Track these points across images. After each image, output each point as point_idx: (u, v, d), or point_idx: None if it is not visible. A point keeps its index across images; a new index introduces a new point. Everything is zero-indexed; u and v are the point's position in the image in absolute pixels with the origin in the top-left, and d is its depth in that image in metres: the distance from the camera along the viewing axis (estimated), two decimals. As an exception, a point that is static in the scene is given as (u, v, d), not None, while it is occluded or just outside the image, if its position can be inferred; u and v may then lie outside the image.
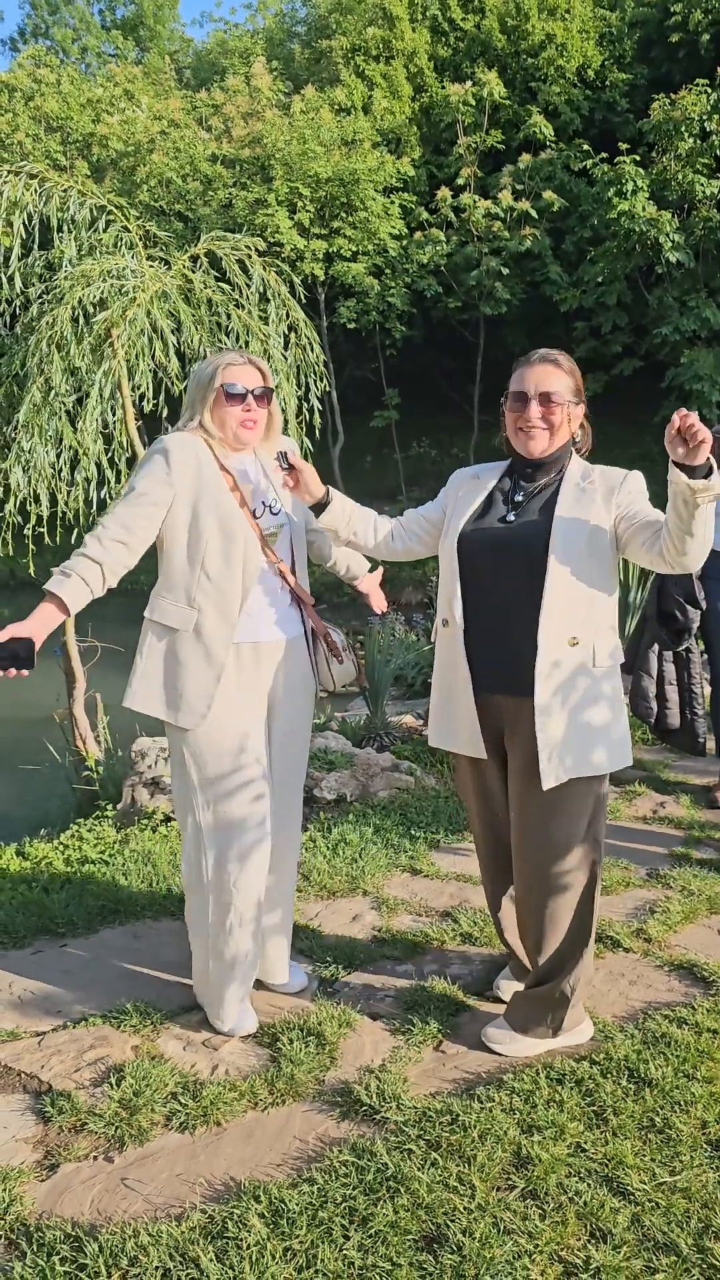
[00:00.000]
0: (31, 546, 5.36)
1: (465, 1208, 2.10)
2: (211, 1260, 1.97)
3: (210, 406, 2.69)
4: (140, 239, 5.12)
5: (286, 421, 5.61)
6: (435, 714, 2.69)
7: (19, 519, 5.22)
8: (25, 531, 5.23)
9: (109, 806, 4.68)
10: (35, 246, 5.15)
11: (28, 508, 5.18)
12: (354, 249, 15.70)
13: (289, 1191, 2.16)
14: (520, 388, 2.51)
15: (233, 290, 5.30)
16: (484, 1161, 2.23)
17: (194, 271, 5.28)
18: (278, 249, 15.03)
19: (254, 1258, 1.98)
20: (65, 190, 4.93)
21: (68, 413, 5.16)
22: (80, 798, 5.14)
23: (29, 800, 5.83)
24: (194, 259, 5.34)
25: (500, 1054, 2.64)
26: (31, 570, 5.58)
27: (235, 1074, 2.63)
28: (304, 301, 6.26)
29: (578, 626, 2.44)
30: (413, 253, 15.80)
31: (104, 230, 5.07)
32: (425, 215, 16.66)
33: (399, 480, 18.38)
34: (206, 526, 2.61)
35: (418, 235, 16.01)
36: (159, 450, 2.66)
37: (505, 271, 15.76)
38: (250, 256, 5.35)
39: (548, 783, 2.44)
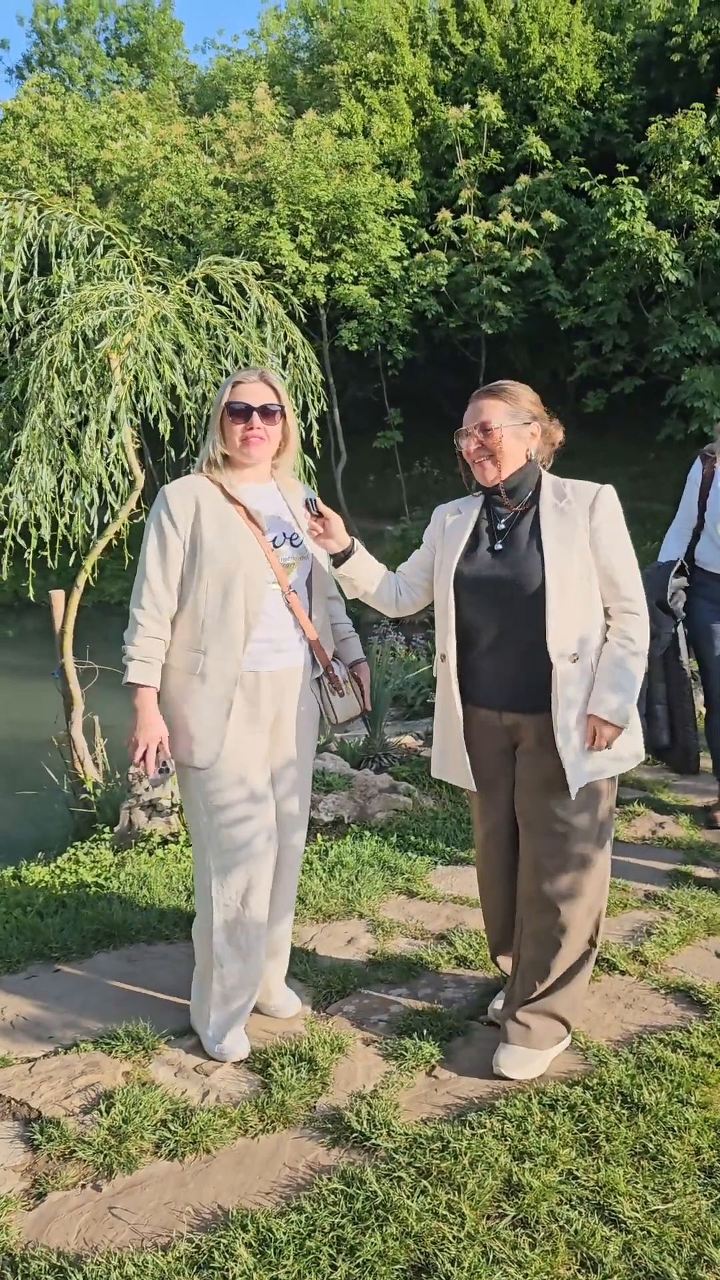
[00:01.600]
0: (33, 571, 5.38)
1: (454, 1236, 2.08)
2: (197, 1291, 1.96)
3: (217, 424, 2.74)
4: (138, 264, 5.16)
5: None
6: (436, 745, 2.77)
7: (20, 543, 5.24)
8: (26, 556, 5.25)
9: (106, 829, 4.68)
10: (35, 272, 5.19)
11: (29, 531, 5.21)
12: (355, 271, 15.80)
13: (277, 1220, 2.14)
14: (464, 426, 2.62)
15: (230, 313, 5.34)
16: (474, 1189, 2.21)
17: (192, 295, 5.32)
18: (280, 272, 15.14)
19: (240, 1289, 1.96)
20: (65, 216, 4.98)
21: (70, 438, 5.19)
22: (78, 821, 5.14)
23: (27, 823, 5.83)
24: (191, 283, 5.39)
25: (514, 1078, 2.63)
26: (32, 594, 5.61)
27: (226, 1100, 2.61)
28: (304, 323, 6.30)
29: (576, 645, 2.51)
30: (414, 274, 15.90)
31: (102, 256, 5.11)
32: (426, 237, 16.78)
33: (402, 500, 18.43)
34: (205, 565, 2.65)
35: (419, 257, 16.12)
36: (159, 502, 2.71)
37: (506, 290, 15.85)
38: (247, 279, 5.40)
39: (574, 784, 2.52)
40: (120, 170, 18.60)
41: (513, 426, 2.59)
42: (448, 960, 3.32)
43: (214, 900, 2.73)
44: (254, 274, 5.45)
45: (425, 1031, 2.87)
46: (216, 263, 5.37)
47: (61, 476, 5.16)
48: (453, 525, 2.71)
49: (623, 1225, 2.12)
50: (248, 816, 2.69)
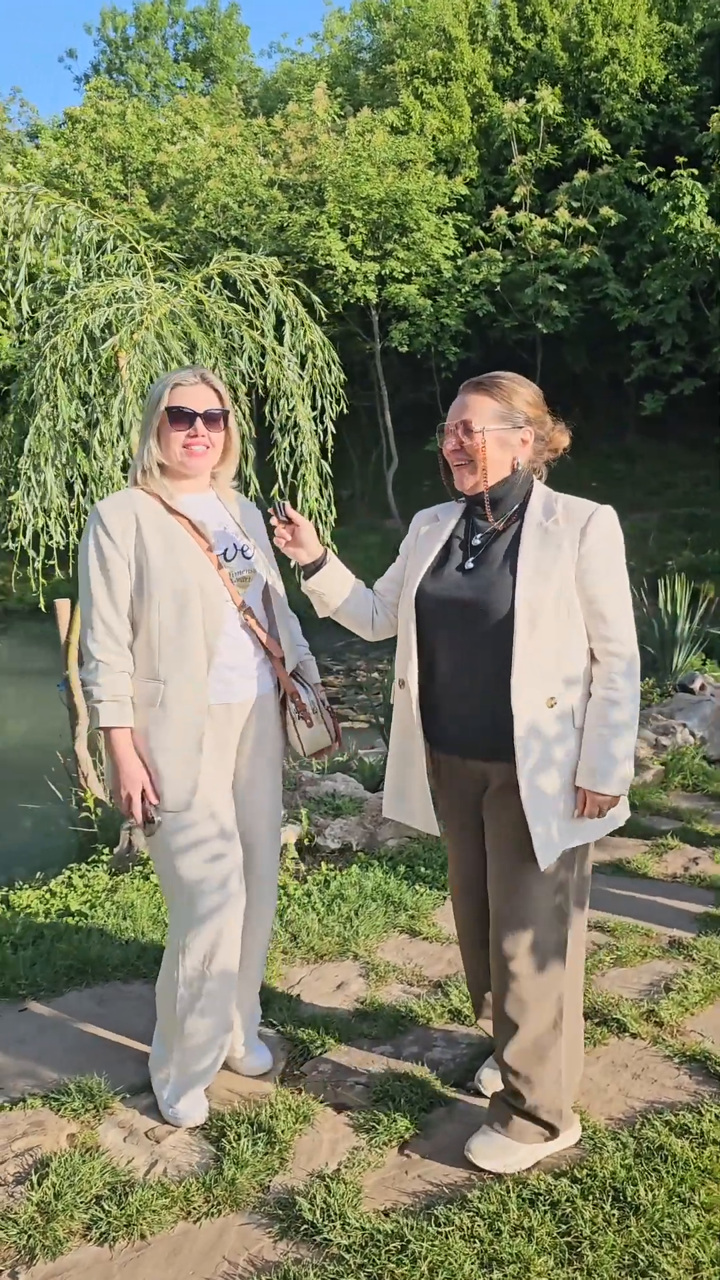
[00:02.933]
0: (43, 581, 5.20)
1: None
2: None
3: (156, 430, 2.46)
4: (149, 260, 4.96)
5: (303, 443, 5.39)
6: (389, 782, 2.43)
7: (31, 553, 5.06)
8: (35, 565, 5.07)
9: (106, 850, 4.47)
10: (44, 269, 5.02)
11: (40, 540, 5.03)
12: (406, 270, 15.51)
13: (198, 1334, 1.88)
14: (448, 419, 2.28)
15: (246, 311, 5.10)
16: (429, 1305, 1.93)
17: (206, 292, 5.10)
18: (330, 271, 14.93)
19: None
20: (73, 210, 4.79)
21: (81, 440, 5.00)
22: (82, 839, 4.95)
23: (34, 839, 5.66)
24: (207, 280, 5.17)
25: (486, 1169, 2.31)
26: (42, 604, 5.43)
27: (174, 1174, 2.36)
28: (323, 320, 6.03)
29: (554, 686, 2.17)
30: (466, 273, 15.56)
31: (111, 252, 4.92)
32: (481, 235, 16.43)
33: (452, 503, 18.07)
34: (154, 585, 2.36)
35: (473, 255, 15.78)
36: (93, 522, 2.41)
37: (562, 289, 15.42)
38: (265, 276, 5.16)
39: (544, 860, 2.16)
40: (175, 173, 18.60)
41: (499, 430, 2.24)
42: (440, 1014, 3.02)
43: (180, 952, 2.47)
44: (273, 271, 5.21)
45: (403, 1100, 2.58)
46: (234, 258, 5.15)
47: (73, 481, 4.97)
48: (426, 535, 2.39)
49: None
50: (216, 861, 2.42)
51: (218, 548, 2.46)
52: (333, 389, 5.41)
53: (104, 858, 4.46)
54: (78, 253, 4.82)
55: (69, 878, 4.28)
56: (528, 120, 16.75)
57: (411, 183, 15.27)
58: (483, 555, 2.26)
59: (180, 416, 2.41)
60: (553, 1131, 2.33)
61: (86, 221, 4.79)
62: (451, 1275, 2.00)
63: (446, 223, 16.02)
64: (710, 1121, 2.44)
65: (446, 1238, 2.09)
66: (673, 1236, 2.08)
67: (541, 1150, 2.34)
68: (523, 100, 16.62)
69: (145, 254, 4.92)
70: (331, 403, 5.39)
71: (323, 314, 6.00)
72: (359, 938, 3.54)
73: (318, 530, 5.58)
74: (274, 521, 2.43)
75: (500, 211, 15.63)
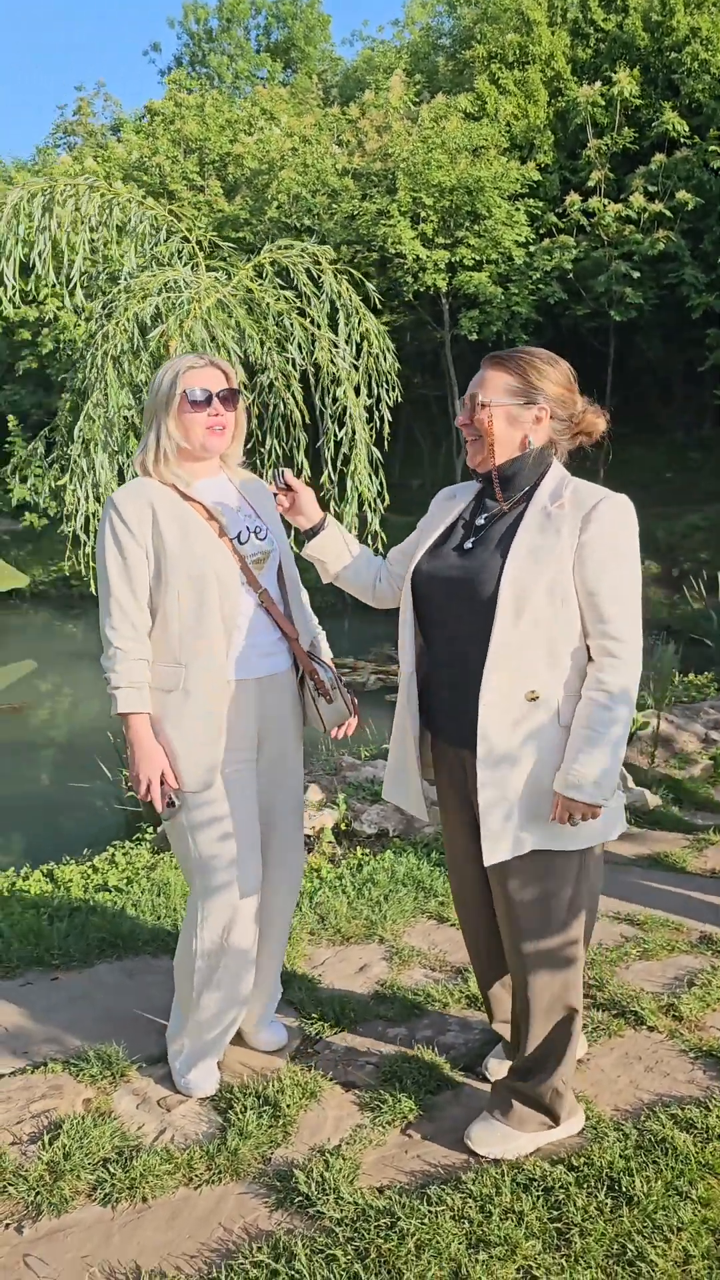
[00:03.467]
0: (93, 565, 5.33)
1: (376, 1338, 1.83)
2: None
3: (174, 415, 2.50)
4: (200, 249, 5.02)
5: (354, 432, 5.41)
6: (389, 763, 2.43)
7: (83, 535, 5.19)
8: (86, 549, 5.20)
9: (150, 829, 4.57)
10: (102, 259, 5.13)
11: (90, 524, 5.15)
12: (477, 257, 15.38)
13: (185, 1295, 1.93)
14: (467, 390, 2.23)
15: (297, 299, 5.14)
16: (412, 1280, 1.95)
17: (257, 281, 5.15)
18: (400, 260, 14.89)
19: None
20: (125, 201, 4.88)
21: (133, 426, 5.10)
22: (129, 818, 5.07)
23: (84, 819, 5.81)
24: (259, 269, 5.22)
25: (482, 1155, 2.32)
26: (93, 587, 5.55)
27: (180, 1140, 2.42)
28: (377, 308, 6.04)
29: (537, 680, 2.11)
30: (538, 259, 15.36)
31: (165, 241, 5.00)
32: (554, 220, 16.19)
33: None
34: (172, 572, 2.41)
35: (545, 242, 15.56)
36: (109, 511, 2.46)
37: (636, 275, 15.12)
38: (318, 264, 5.19)
39: (488, 857, 2.13)
40: (250, 164, 18.71)
41: (507, 405, 2.17)
42: (458, 999, 3.04)
43: (197, 925, 2.53)
44: (326, 259, 5.23)
45: (410, 1081, 2.61)
46: (285, 246, 5.19)
47: (124, 467, 5.07)
48: (437, 512, 2.37)
49: (576, 1345, 1.81)
50: (233, 838, 2.46)
51: (231, 531, 2.50)
52: (388, 376, 5.42)
53: (147, 836, 4.56)
54: (133, 243, 4.90)
55: (112, 855, 4.40)
56: (603, 103, 16.42)
57: (484, 169, 15.12)
58: (482, 536, 2.22)
59: (197, 399, 2.45)
60: (554, 1120, 2.33)
61: (140, 212, 4.88)
62: (438, 1253, 2.01)
63: (518, 209, 15.83)
64: (717, 1117, 2.41)
65: (436, 1217, 2.11)
66: (665, 1229, 2.07)
67: (542, 1138, 2.34)
68: (598, 83, 16.28)
69: (197, 244, 4.99)
70: (387, 390, 5.40)
71: (377, 301, 6.00)
72: (386, 921, 3.57)
73: (367, 517, 5.60)
74: (271, 489, 2.48)
75: (574, 197, 15.37)
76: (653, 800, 4.76)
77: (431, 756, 2.47)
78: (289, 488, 2.44)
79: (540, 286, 15.56)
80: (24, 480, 17.67)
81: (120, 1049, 2.76)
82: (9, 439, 19.56)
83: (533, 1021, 2.29)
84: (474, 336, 15.90)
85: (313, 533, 2.47)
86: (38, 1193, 2.25)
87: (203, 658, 2.42)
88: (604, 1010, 2.95)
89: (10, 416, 20.07)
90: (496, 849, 2.13)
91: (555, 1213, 2.13)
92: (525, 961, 2.23)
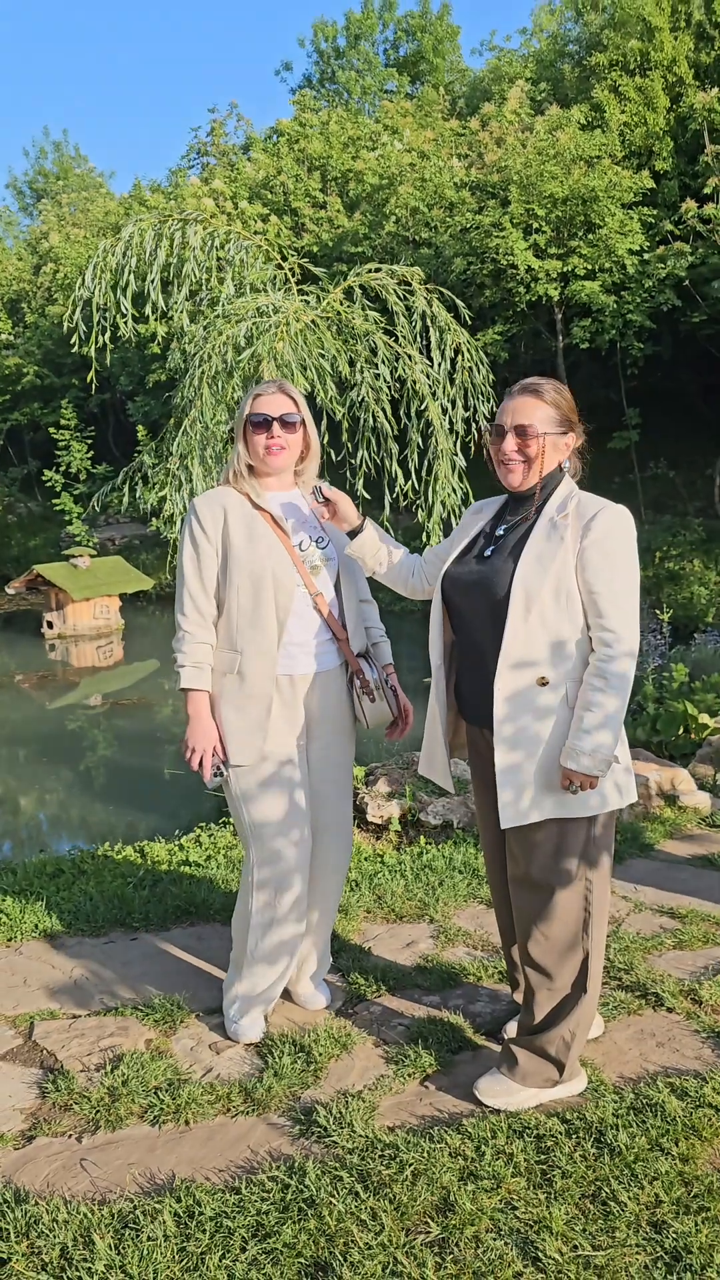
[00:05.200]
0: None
1: (365, 1244, 2.09)
2: (108, 1245, 2.10)
3: (242, 435, 2.86)
4: (293, 278, 5.37)
5: (437, 444, 5.67)
6: (424, 745, 2.78)
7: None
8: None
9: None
10: (205, 287, 5.55)
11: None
12: (589, 266, 15.38)
13: (208, 1196, 2.24)
14: (500, 420, 2.50)
15: (385, 318, 5.43)
16: (405, 1201, 2.21)
17: (346, 304, 5.47)
18: (513, 271, 15.02)
19: (146, 1250, 2.08)
20: (226, 232, 5.28)
21: (226, 442, 5.49)
22: (220, 802, 5.44)
23: (180, 803, 6.22)
24: (348, 292, 5.54)
25: (486, 1104, 2.57)
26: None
27: (224, 1077, 2.74)
28: (468, 323, 6.27)
29: (547, 667, 2.40)
30: (652, 267, 15.25)
31: (260, 269, 5.38)
32: (670, 227, 16.03)
33: (638, 503, 17.73)
34: (235, 569, 2.78)
35: (660, 249, 15.43)
36: (190, 514, 2.85)
37: (755, 281, 14.84)
38: (406, 285, 5.47)
39: (505, 821, 2.40)
40: (371, 180, 19.16)
41: (553, 435, 2.48)
42: (491, 974, 3.27)
43: (251, 888, 2.87)
44: (417, 280, 5.51)
45: (434, 1041, 2.86)
46: (374, 269, 5.49)
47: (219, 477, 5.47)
48: (466, 523, 2.70)
49: (541, 1265, 2.04)
50: (283, 815, 2.80)
51: (294, 538, 2.84)
52: (481, 388, 5.67)
53: (230, 821, 4.92)
54: (231, 270, 5.30)
55: (197, 835, 4.78)
56: (720, 109, 16.17)
57: (597, 179, 15.12)
58: (500, 545, 2.53)
59: (259, 422, 2.80)
60: (559, 1070, 2.55)
61: (239, 243, 5.27)
62: (431, 1182, 2.27)
63: (632, 217, 15.75)
64: (714, 1089, 2.58)
65: (435, 1152, 2.37)
66: (639, 1177, 2.27)
67: (545, 1095, 2.56)
68: (715, 90, 16.04)
69: (289, 271, 5.34)
70: (482, 402, 5.64)
71: (467, 317, 6.24)
72: (437, 904, 3.82)
73: (451, 521, 5.86)
74: (313, 503, 2.83)
75: (690, 204, 15.20)
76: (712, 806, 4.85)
77: (464, 739, 2.78)
78: (328, 500, 2.77)
79: (653, 294, 15.44)
80: (151, 487, 18.51)
81: (182, 999, 3.11)
82: (138, 448, 20.54)
83: (544, 976, 2.52)
84: (586, 345, 15.89)
85: (353, 534, 2.83)
86: (97, 1111, 2.60)
87: (256, 646, 2.76)
88: (628, 991, 3.13)
89: (139, 426, 21.07)
90: (509, 815, 2.41)
91: (542, 1156, 2.35)
92: (534, 915, 2.49)
